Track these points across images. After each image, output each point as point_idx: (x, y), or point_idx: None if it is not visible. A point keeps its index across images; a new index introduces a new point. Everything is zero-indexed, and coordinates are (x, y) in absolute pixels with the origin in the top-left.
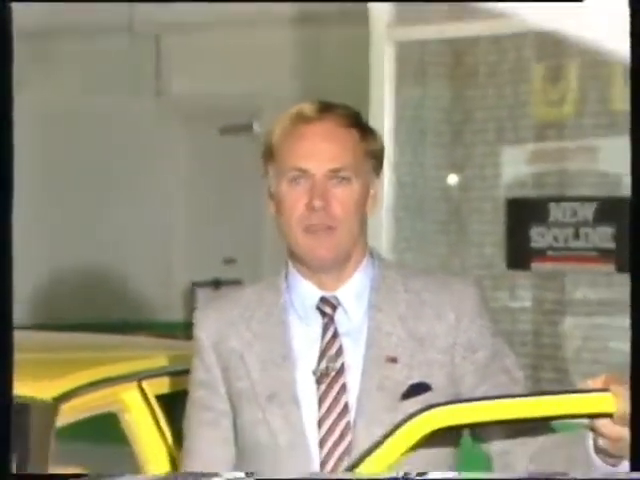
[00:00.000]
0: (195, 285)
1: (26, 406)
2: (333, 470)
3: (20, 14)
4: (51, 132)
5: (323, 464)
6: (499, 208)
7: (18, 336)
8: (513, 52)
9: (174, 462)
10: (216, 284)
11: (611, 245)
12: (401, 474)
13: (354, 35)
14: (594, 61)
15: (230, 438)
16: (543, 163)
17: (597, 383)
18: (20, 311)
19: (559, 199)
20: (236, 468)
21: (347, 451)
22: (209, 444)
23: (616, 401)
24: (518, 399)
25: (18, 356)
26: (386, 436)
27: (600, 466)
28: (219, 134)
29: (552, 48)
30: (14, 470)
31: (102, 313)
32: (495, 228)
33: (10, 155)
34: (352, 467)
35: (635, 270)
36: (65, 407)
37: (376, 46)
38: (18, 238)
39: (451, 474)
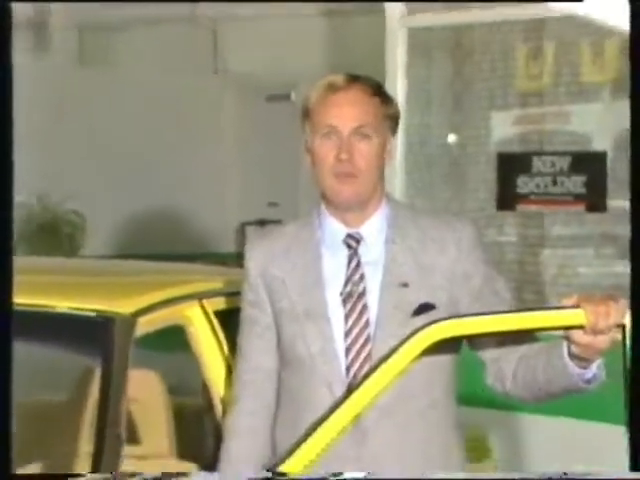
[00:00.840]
0: (244, 224)
1: (111, 319)
2: (357, 373)
3: (105, 9)
4: (133, 100)
5: (348, 368)
6: (491, 161)
7: (102, 263)
8: (502, 36)
9: (229, 366)
10: (261, 223)
11: (582, 191)
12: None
13: (373, 23)
14: (567, 43)
15: (274, 347)
16: (526, 125)
17: (570, 301)
18: (102, 244)
19: (540, 153)
20: (278, 374)
21: (368, 358)
22: (258, 351)
23: (586, 315)
24: (506, 315)
25: (103, 279)
26: (399, 345)
27: (572, 368)
28: (265, 101)
29: (533, 33)
30: (100, 372)
31: (168, 246)
32: (488, 177)
33: (10, 152)
34: (371, 371)
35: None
36: (141, 320)
37: (391, 31)
38: (100, 182)
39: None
